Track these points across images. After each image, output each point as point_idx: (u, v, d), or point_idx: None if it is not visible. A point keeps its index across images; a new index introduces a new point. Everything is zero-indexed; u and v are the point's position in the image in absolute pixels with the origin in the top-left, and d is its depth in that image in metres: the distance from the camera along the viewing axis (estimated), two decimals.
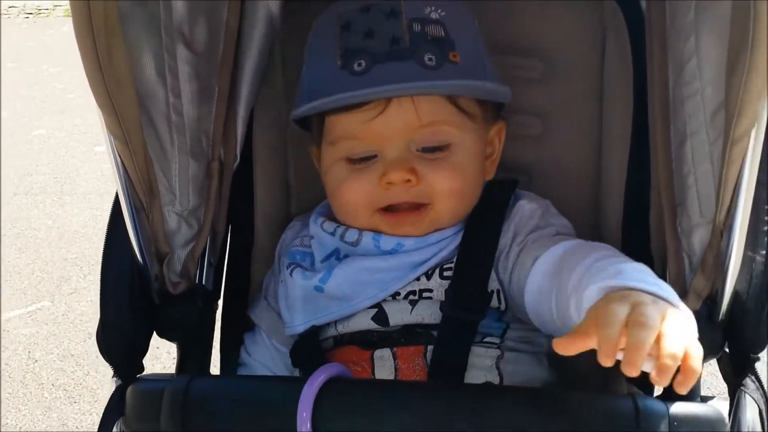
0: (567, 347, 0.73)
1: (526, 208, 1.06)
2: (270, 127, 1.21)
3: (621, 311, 0.72)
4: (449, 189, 1.02)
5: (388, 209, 1.04)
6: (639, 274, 0.79)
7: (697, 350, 0.70)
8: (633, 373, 0.69)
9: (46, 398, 2.32)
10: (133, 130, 0.91)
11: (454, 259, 1.04)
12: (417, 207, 1.03)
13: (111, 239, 1.01)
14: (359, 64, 0.98)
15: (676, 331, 0.70)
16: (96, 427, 0.93)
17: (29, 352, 2.52)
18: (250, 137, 1.19)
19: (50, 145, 4.29)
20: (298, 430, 0.80)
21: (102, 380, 2.37)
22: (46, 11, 7.63)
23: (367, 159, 1.03)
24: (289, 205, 1.26)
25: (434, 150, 1.02)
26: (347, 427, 0.82)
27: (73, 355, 2.50)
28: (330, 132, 1.05)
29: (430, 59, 0.98)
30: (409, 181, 1.01)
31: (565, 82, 1.19)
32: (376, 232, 1.04)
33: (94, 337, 2.76)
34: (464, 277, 1.02)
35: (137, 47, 0.90)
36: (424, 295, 1.03)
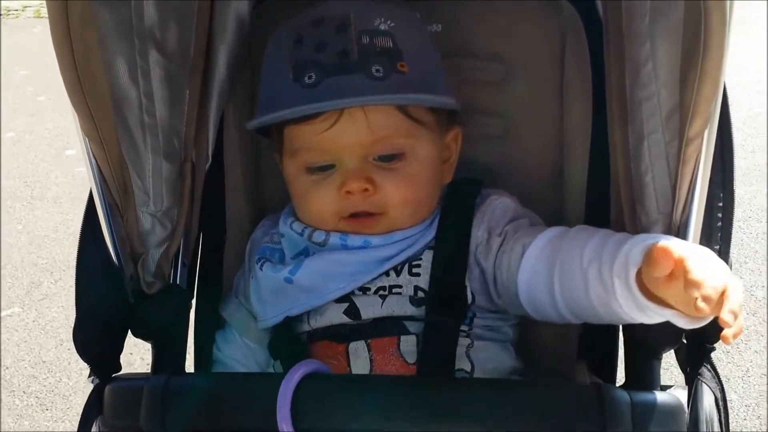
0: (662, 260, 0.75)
1: (499, 202, 1.11)
2: (240, 130, 1.23)
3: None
4: (403, 199, 1.06)
5: (354, 215, 1.07)
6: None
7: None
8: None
9: (18, 405, 2.28)
10: (108, 131, 0.93)
11: (423, 256, 1.08)
12: (370, 216, 1.07)
13: (85, 239, 1.03)
14: (309, 77, 1.01)
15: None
16: None
17: None
18: (222, 138, 1.22)
19: (20, 148, 4.22)
20: (278, 426, 0.82)
21: (75, 387, 2.34)
22: (15, 12, 7.47)
23: (326, 169, 1.06)
24: (259, 205, 1.29)
25: (390, 158, 1.06)
26: (326, 422, 0.85)
27: (44, 361, 2.46)
28: (289, 143, 1.09)
29: (377, 70, 1.01)
30: (366, 190, 1.04)
31: (526, 84, 1.22)
32: (342, 232, 1.08)
33: (66, 344, 2.72)
34: (442, 286, 1.06)
35: (110, 50, 0.92)
36: (394, 291, 1.06)
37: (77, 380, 2.36)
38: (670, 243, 0.77)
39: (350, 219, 1.07)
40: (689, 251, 0.77)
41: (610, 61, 0.99)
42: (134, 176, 1.00)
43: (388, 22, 1.04)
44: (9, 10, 7.38)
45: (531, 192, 1.18)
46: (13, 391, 2.35)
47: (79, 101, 0.87)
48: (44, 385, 2.36)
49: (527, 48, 1.22)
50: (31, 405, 2.29)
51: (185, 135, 1.08)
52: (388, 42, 1.03)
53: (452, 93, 1.11)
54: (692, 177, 0.88)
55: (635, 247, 0.85)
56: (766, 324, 2.44)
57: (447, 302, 1.05)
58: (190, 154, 1.09)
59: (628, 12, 0.93)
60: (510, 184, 1.18)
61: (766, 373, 2.24)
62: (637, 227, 0.97)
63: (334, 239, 1.08)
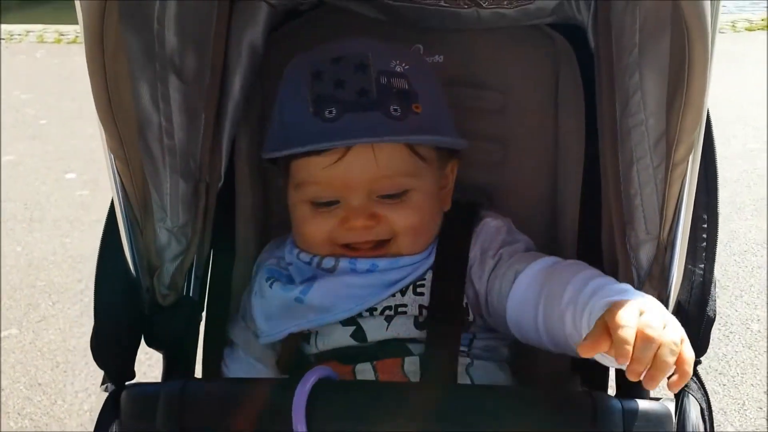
0: (590, 350, 0.82)
1: (492, 225, 1.16)
2: (250, 152, 1.29)
3: (632, 317, 0.82)
4: (409, 226, 1.11)
5: (348, 246, 1.11)
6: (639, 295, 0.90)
7: (690, 354, 0.83)
8: (639, 370, 0.79)
9: (12, 427, 2.26)
10: (132, 149, 0.99)
11: (426, 276, 1.12)
12: (378, 244, 1.11)
13: (105, 252, 1.08)
14: (330, 112, 1.04)
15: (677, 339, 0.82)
16: None
17: None
18: (234, 160, 1.27)
19: (20, 171, 4.22)
20: (294, 427, 0.85)
21: (69, 409, 2.32)
22: (18, 36, 7.54)
23: (330, 204, 1.10)
24: (266, 226, 1.33)
25: (393, 197, 1.10)
26: (340, 425, 0.88)
27: (40, 384, 2.43)
28: (294, 175, 1.12)
29: (395, 110, 1.05)
30: (369, 226, 1.09)
31: (522, 113, 1.29)
32: (351, 257, 1.11)
33: (62, 366, 2.69)
34: (442, 294, 1.10)
35: (136, 75, 0.98)
36: (399, 310, 1.11)
37: (72, 402, 2.35)
38: (613, 319, 0.82)
39: (349, 250, 1.11)
40: (627, 322, 0.81)
41: (601, 91, 1.06)
42: (154, 193, 1.06)
43: (404, 65, 1.10)
44: (12, 35, 7.45)
45: (526, 214, 1.24)
46: (8, 413, 2.33)
47: (108, 121, 0.93)
48: (39, 408, 2.34)
49: (523, 79, 1.28)
50: (26, 427, 2.27)
51: (200, 156, 1.13)
52: (404, 84, 1.08)
53: (457, 131, 1.17)
54: (678, 198, 0.94)
55: (600, 300, 0.89)
56: (765, 356, 2.45)
57: (446, 319, 1.09)
58: (204, 175, 1.15)
59: (618, 45, 1.00)
60: (507, 206, 1.24)
61: (763, 407, 2.25)
62: (626, 247, 1.03)
63: (344, 264, 1.11)
